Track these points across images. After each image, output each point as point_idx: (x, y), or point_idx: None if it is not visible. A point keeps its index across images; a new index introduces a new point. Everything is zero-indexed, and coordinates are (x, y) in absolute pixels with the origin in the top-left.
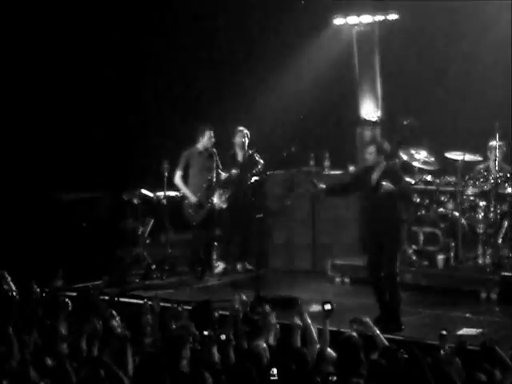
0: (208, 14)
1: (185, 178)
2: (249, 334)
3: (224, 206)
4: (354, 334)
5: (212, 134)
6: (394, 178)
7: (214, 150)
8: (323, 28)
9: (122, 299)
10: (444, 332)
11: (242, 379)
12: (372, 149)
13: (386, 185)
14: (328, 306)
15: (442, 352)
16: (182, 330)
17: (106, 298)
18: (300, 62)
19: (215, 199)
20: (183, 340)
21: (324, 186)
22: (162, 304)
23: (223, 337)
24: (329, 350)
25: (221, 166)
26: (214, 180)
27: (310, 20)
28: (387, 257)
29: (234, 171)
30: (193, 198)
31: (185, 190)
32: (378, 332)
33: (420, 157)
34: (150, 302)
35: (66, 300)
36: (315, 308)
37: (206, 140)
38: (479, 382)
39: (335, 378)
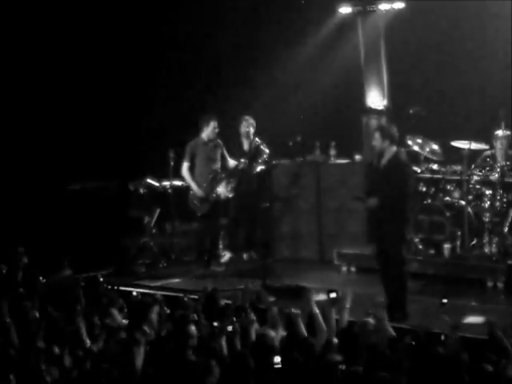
0: (214, 3)
1: (191, 169)
2: (256, 323)
3: (230, 195)
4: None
5: (216, 125)
6: (397, 169)
7: (219, 140)
8: (329, 17)
9: (128, 288)
10: (445, 300)
11: (239, 367)
12: (377, 134)
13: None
14: (333, 295)
15: (442, 337)
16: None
17: (112, 287)
18: (306, 51)
19: (221, 188)
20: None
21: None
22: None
23: (230, 327)
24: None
25: (227, 155)
26: (219, 170)
27: (316, 9)
28: (393, 245)
29: (242, 160)
30: (199, 192)
31: (191, 183)
32: (390, 328)
33: (427, 146)
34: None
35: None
36: (321, 297)
37: (210, 130)
38: (486, 373)
39: (344, 367)
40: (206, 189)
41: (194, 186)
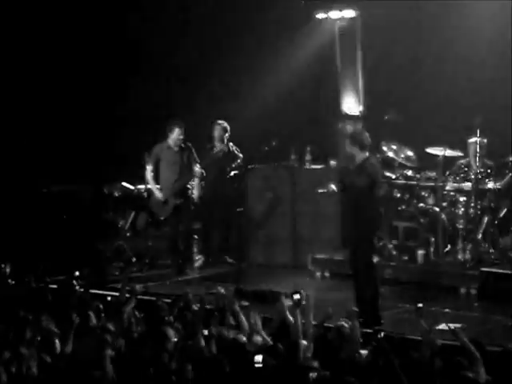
0: (191, 5)
1: (156, 173)
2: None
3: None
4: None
5: (181, 131)
6: (365, 175)
7: (189, 144)
8: (305, 22)
9: (101, 291)
10: (420, 305)
11: (214, 370)
12: (348, 141)
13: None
14: (297, 296)
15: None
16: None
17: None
18: (282, 56)
19: (195, 191)
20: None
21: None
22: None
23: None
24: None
25: (198, 160)
26: (186, 174)
27: (292, 14)
28: (363, 251)
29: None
30: (158, 194)
31: (152, 186)
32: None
33: (402, 152)
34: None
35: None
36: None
37: (174, 137)
38: (465, 379)
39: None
40: (166, 193)
41: (154, 189)
